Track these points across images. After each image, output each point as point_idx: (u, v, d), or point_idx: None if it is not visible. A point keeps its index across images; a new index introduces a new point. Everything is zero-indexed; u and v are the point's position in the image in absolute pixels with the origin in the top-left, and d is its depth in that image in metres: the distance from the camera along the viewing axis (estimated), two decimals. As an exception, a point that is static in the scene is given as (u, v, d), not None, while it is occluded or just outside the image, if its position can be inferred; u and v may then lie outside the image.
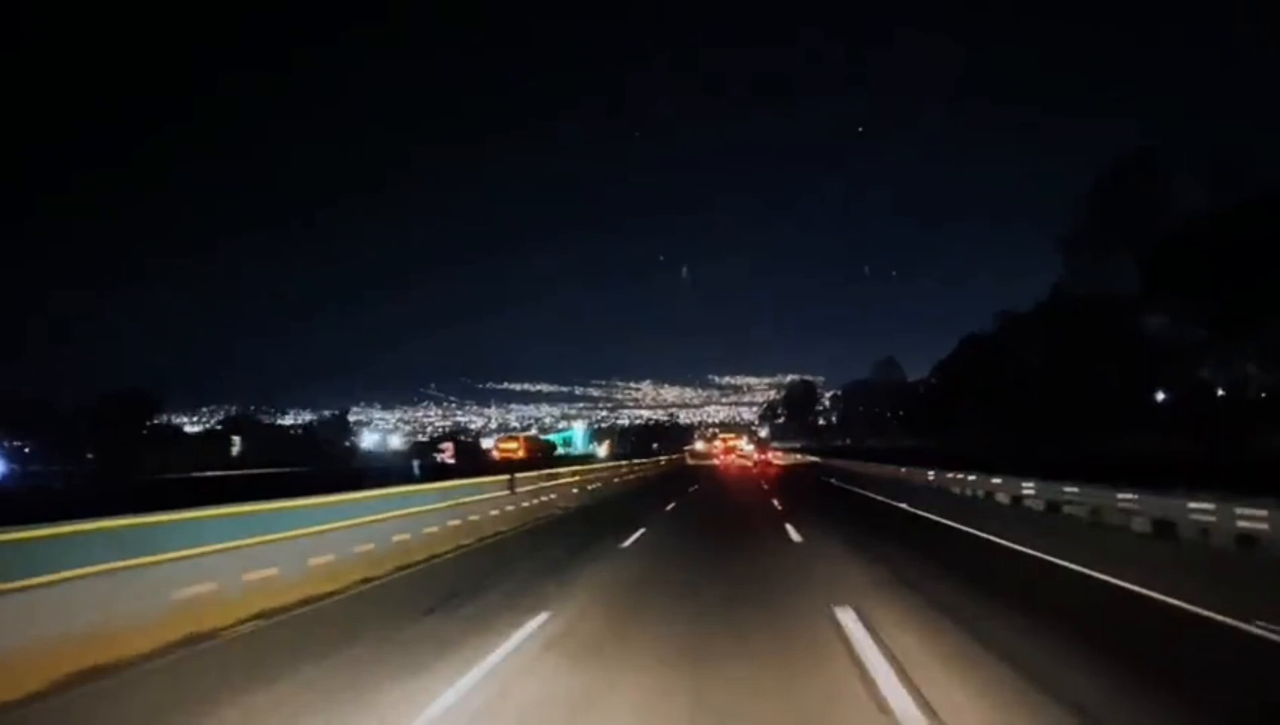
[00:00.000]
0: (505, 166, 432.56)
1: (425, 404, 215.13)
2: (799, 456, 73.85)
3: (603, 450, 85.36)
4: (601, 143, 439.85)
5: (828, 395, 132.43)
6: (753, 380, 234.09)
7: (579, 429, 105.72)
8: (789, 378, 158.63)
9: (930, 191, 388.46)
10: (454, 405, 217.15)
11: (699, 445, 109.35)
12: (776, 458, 76.88)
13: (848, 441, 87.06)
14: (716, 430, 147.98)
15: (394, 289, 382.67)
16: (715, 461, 77.09)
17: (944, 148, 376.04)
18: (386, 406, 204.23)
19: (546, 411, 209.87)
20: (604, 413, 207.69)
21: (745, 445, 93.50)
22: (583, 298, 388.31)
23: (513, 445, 65.02)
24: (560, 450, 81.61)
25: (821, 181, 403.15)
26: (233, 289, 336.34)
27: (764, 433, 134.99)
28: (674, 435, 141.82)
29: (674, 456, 77.15)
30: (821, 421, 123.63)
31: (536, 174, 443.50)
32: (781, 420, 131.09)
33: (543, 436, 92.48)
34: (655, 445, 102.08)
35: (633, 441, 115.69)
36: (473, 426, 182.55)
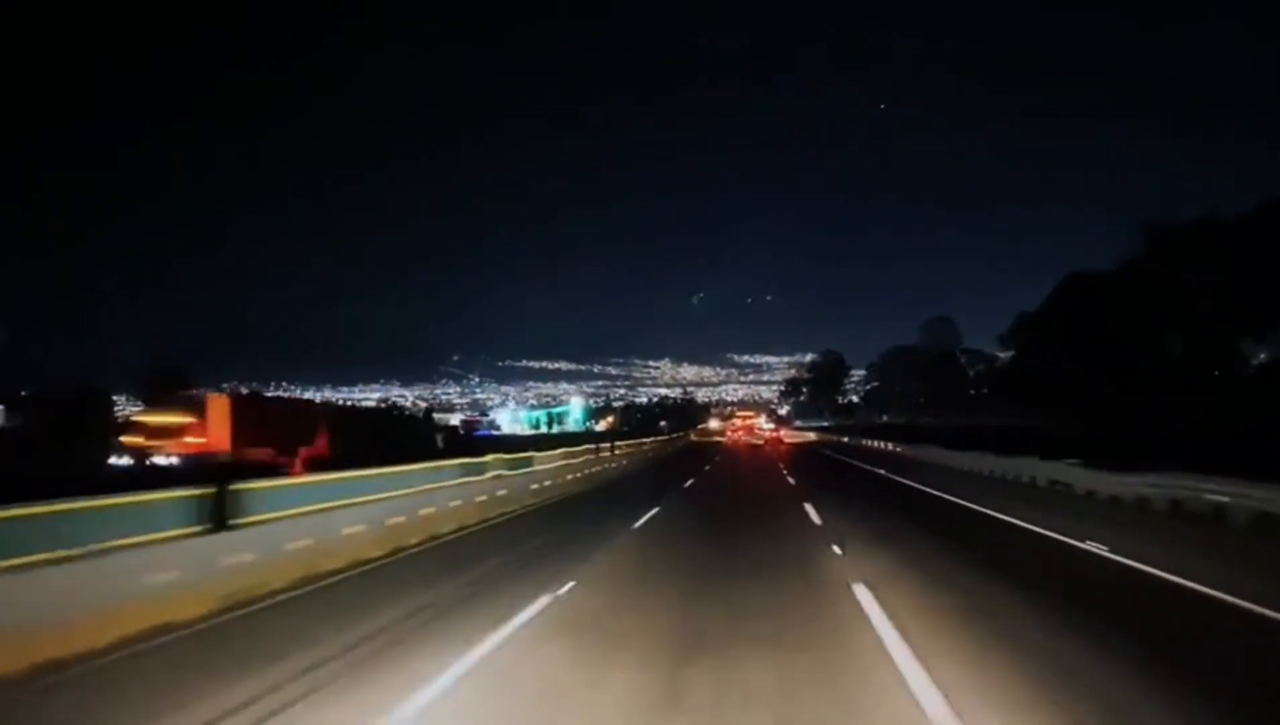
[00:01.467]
0: (523, 142, 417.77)
1: (445, 382, 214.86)
2: (841, 438, 61.37)
3: (601, 427, 76.11)
4: (624, 120, 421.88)
5: (856, 374, 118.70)
6: (772, 359, 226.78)
7: (576, 405, 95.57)
8: (809, 357, 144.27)
9: (953, 175, 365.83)
10: (474, 383, 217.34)
11: (713, 423, 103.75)
12: (786, 436, 68.34)
13: (884, 419, 73.63)
14: (734, 408, 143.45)
15: (411, 265, 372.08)
16: (722, 439, 71.19)
17: (973, 130, 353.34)
18: (406, 384, 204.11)
19: (565, 389, 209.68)
20: (623, 391, 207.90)
21: (764, 423, 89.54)
22: (602, 276, 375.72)
23: (166, 421, 22.57)
24: (544, 428, 70.94)
25: (844, 161, 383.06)
26: (240, 272, 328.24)
27: (783, 411, 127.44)
28: (687, 413, 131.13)
29: (676, 436, 67.38)
30: (845, 399, 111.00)
31: (554, 151, 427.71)
32: (804, 398, 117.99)
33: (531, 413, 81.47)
34: (663, 423, 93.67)
35: (638, 419, 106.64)
36: (491, 403, 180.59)
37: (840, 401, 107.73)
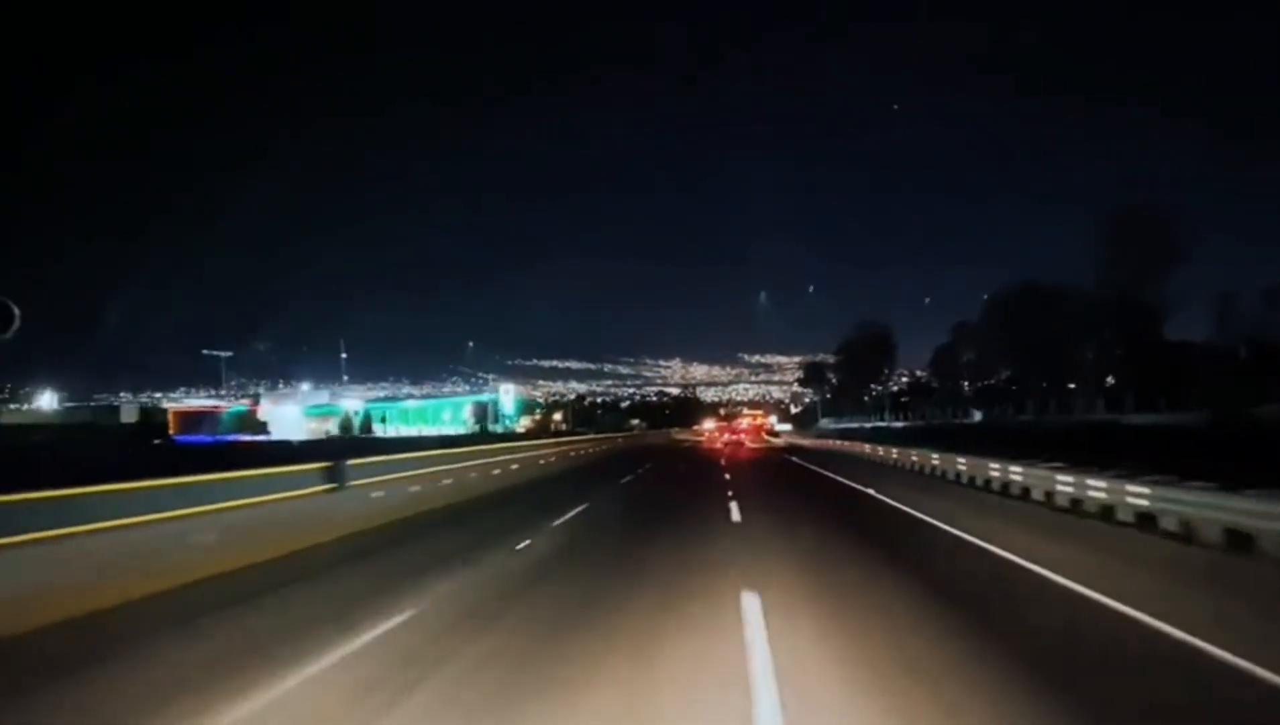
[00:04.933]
0: (540, 128, 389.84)
1: (454, 380, 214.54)
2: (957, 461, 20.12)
3: (521, 426, 52.77)
4: (639, 110, 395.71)
5: (897, 381, 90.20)
6: (783, 359, 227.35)
7: (507, 396, 70.84)
8: (819, 357, 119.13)
9: (968, 169, 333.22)
10: (482, 382, 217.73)
11: (707, 423, 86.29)
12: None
13: (976, 416, 45.23)
14: (742, 408, 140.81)
15: (414, 255, 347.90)
16: (701, 438, 65.27)
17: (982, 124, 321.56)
18: (415, 382, 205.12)
19: (575, 387, 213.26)
20: (632, 389, 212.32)
21: (779, 425, 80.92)
22: (612, 273, 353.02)
23: None
24: (394, 430, 45.78)
25: (855, 157, 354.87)
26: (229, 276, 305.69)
27: (795, 410, 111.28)
28: (676, 412, 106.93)
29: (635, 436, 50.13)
30: (894, 386, 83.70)
31: (568, 136, 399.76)
32: (830, 391, 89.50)
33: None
34: (635, 422, 71.09)
35: (600, 417, 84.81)
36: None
37: (890, 390, 79.42)
